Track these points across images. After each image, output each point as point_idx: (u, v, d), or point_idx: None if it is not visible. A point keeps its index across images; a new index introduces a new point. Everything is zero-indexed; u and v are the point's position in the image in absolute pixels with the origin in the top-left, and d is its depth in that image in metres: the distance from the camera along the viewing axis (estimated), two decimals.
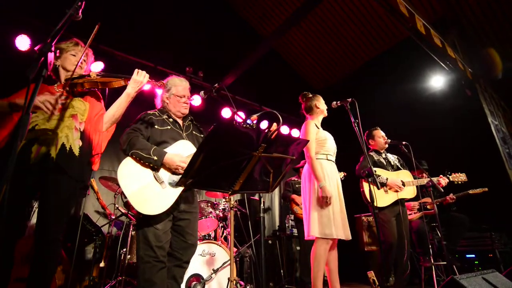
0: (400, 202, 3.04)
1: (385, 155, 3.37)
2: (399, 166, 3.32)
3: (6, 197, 0.94)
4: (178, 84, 2.19)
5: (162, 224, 1.89)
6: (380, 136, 3.36)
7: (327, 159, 2.54)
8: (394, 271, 2.96)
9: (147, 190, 1.83)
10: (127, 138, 1.92)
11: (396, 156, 3.44)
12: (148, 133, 2.01)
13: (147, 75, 1.85)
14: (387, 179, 3.02)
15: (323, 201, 2.30)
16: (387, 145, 3.34)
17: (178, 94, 2.15)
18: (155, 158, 1.85)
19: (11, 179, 0.93)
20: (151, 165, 1.87)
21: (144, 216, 1.82)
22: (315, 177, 2.39)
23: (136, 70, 1.84)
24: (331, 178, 2.44)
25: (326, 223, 2.29)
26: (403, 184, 3.09)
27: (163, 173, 1.91)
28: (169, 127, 2.08)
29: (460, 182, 3.34)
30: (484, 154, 4.38)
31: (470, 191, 3.66)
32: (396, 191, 3.01)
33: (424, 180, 3.20)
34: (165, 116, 2.12)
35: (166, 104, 2.18)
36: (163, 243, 1.88)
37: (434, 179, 3.24)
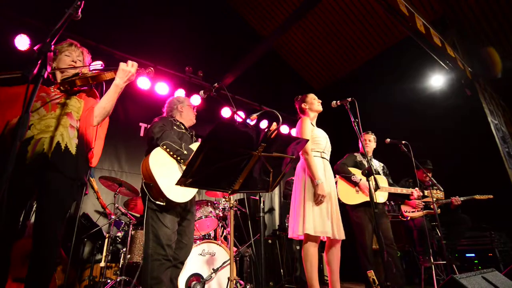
0: (372, 204, 3.05)
1: (370, 158, 3.42)
2: (380, 173, 3.34)
3: (4, 198, 0.94)
4: (187, 98, 2.56)
5: (172, 223, 1.97)
6: (366, 139, 3.44)
7: (321, 157, 2.54)
8: (385, 272, 2.95)
9: (174, 178, 1.93)
10: (161, 130, 2.07)
11: (382, 164, 3.48)
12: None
13: (136, 64, 1.83)
14: (360, 179, 3.05)
15: (318, 199, 2.29)
16: (369, 149, 3.41)
17: (190, 105, 2.49)
18: (185, 152, 2.02)
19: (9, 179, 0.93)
20: (179, 158, 2.02)
21: (158, 212, 1.93)
22: (312, 174, 2.38)
23: (121, 63, 1.81)
24: (325, 176, 2.45)
25: (319, 221, 2.28)
26: (378, 188, 3.10)
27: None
28: (183, 131, 2.32)
29: (436, 199, 3.41)
30: (484, 153, 4.38)
31: (476, 196, 3.66)
32: (363, 192, 3.04)
33: (398, 189, 3.26)
34: (178, 123, 2.36)
35: (180, 114, 2.43)
36: (172, 243, 1.96)
37: (409, 190, 3.32)
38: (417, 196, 3.33)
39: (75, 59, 1.82)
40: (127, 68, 1.80)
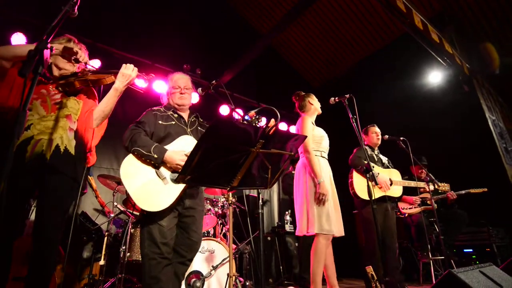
0: (388, 199, 3.06)
1: (378, 152, 3.39)
2: (389, 166, 3.35)
3: (3, 197, 0.94)
4: (175, 77, 2.22)
5: (167, 220, 1.87)
6: (373, 132, 3.37)
7: (322, 156, 2.55)
8: (384, 268, 2.95)
9: (150, 186, 1.82)
10: (130, 135, 1.90)
11: (387, 158, 3.47)
12: (152, 128, 2.00)
13: (136, 69, 1.81)
14: (378, 173, 3.03)
15: (320, 197, 2.31)
16: (379, 142, 3.36)
17: (173, 86, 2.17)
18: (155, 156, 1.83)
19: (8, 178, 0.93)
20: (152, 162, 1.86)
21: (148, 213, 1.80)
22: (314, 173, 2.38)
23: (124, 64, 1.80)
24: (326, 175, 2.46)
25: (326, 219, 2.30)
26: (391, 183, 3.11)
27: (164, 169, 1.90)
28: (173, 122, 2.07)
29: (444, 191, 3.47)
30: (482, 149, 4.40)
31: (471, 190, 3.68)
32: (382, 188, 3.02)
33: (412, 183, 3.25)
34: (170, 112, 2.12)
35: (168, 101, 2.20)
36: (168, 240, 1.86)
37: (420, 183, 3.32)
38: (428, 190, 3.33)
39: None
40: (127, 72, 1.78)
